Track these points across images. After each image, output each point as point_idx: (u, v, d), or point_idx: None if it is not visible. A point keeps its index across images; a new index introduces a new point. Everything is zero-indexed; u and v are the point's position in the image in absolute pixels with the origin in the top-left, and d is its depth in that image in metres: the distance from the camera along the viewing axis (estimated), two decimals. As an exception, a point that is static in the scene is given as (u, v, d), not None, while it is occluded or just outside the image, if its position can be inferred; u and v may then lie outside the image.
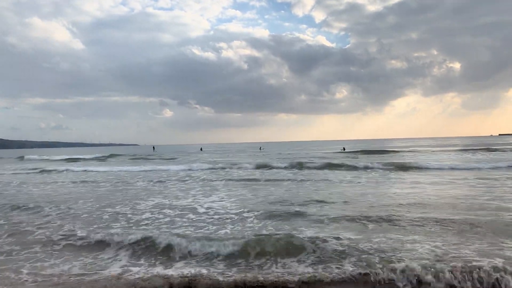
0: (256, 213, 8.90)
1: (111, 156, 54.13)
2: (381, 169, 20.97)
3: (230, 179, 17.92)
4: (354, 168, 21.97)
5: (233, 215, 8.83)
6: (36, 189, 16.24)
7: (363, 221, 7.79)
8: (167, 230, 7.52)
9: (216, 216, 8.89)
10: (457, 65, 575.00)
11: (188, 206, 10.37)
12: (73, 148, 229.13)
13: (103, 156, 52.08)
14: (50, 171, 26.91)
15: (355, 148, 57.56)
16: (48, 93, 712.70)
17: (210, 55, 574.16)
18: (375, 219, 7.91)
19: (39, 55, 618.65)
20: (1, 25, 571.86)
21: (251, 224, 7.86)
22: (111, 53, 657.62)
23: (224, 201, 11.32)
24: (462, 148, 48.34)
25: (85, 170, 26.60)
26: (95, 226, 8.18)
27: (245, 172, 21.98)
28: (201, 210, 9.80)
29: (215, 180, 17.66)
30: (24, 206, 10.85)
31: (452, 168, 20.39)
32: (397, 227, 7.30)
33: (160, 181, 17.96)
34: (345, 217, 8.16)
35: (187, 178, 19.01)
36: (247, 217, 8.54)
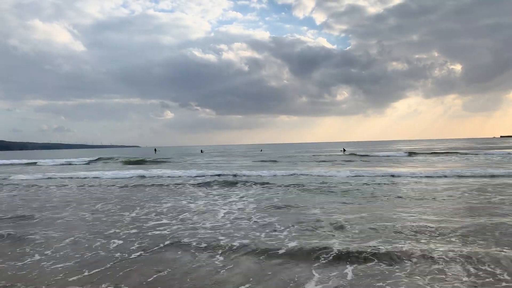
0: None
1: (100, 160, 46.97)
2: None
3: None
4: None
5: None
6: None
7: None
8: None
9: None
10: (458, 67, 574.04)
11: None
12: (74, 150, 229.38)
13: (87, 161, 44.82)
14: None
15: (367, 152, 56.97)
16: (49, 95, 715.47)
17: (211, 57, 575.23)
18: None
19: (41, 57, 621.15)
20: (3, 28, 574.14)
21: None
22: (112, 55, 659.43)
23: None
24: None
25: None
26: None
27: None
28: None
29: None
30: None
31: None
32: None
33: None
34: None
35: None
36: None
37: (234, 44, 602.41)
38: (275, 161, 36.51)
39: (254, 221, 8.48)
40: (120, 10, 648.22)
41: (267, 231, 7.52)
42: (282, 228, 7.75)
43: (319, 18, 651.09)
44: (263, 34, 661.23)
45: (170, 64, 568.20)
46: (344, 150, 63.62)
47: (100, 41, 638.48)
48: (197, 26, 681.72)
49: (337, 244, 6.31)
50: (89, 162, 43.63)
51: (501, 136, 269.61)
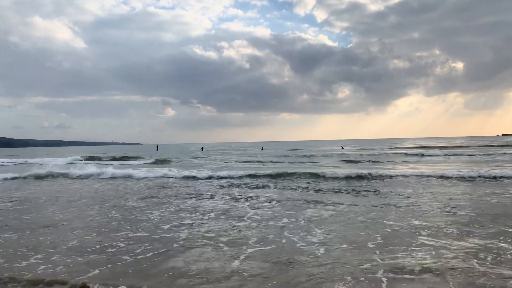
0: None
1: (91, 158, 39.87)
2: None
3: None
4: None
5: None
6: None
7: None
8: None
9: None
10: (459, 65, 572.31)
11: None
12: (75, 147, 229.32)
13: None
14: None
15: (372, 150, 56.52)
16: (50, 92, 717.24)
17: (211, 54, 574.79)
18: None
19: (41, 54, 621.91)
20: (3, 25, 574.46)
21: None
22: (113, 52, 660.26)
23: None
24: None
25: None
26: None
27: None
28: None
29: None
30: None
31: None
32: None
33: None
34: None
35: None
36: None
37: (235, 41, 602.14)
38: (278, 161, 35.88)
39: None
40: (120, 7, 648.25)
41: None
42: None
43: (320, 15, 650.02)
44: (264, 32, 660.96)
45: (171, 61, 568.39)
46: (342, 147, 64.22)
47: (101, 38, 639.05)
48: (197, 23, 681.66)
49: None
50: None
51: (503, 135, 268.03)
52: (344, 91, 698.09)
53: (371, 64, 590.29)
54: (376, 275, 4.93)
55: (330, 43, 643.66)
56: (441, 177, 15.94)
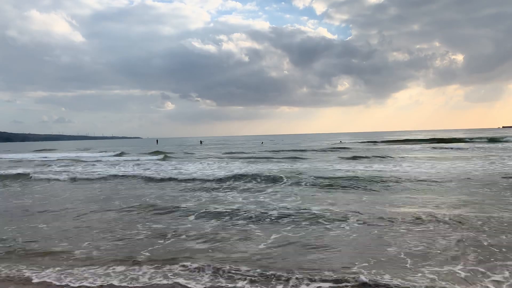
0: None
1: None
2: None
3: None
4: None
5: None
6: None
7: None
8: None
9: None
10: (459, 57, 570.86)
11: None
12: (76, 141, 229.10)
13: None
14: None
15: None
16: (49, 86, 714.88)
17: (210, 47, 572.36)
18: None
19: (40, 48, 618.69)
20: (1, 19, 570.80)
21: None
22: (112, 46, 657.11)
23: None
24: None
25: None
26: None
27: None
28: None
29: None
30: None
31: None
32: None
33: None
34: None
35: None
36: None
37: (233, 34, 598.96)
38: (281, 158, 35.61)
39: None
40: (118, 0, 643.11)
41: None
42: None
43: (319, 8, 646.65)
44: (262, 24, 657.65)
45: (170, 54, 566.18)
46: (341, 142, 64.64)
47: (99, 31, 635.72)
48: (196, 16, 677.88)
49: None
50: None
51: (503, 127, 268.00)
52: (344, 84, 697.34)
53: (371, 57, 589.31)
54: (400, 256, 5.36)
55: (329, 35, 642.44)
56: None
